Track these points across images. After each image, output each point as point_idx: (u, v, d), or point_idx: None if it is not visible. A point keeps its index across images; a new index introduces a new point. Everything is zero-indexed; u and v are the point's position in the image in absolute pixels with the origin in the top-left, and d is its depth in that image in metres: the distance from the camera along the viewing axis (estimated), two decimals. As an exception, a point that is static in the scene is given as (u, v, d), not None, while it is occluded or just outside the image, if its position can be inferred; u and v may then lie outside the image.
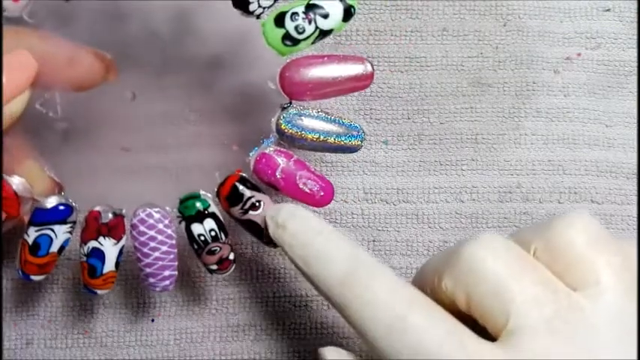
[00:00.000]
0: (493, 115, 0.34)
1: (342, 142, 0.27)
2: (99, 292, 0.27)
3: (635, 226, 0.34)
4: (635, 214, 0.34)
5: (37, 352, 0.33)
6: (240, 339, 0.33)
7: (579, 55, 0.34)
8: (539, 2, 0.34)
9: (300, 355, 0.34)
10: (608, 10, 0.34)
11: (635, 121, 0.35)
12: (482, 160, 0.34)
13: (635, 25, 0.34)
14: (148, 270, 0.27)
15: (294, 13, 0.26)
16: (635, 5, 0.34)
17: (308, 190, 0.27)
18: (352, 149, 0.27)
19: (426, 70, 0.34)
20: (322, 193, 0.27)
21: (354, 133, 0.27)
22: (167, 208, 0.27)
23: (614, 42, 0.34)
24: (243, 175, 0.27)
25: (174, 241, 0.27)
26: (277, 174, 0.27)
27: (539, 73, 0.34)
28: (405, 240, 0.34)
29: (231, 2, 0.26)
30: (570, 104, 0.34)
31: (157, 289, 0.28)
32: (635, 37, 0.34)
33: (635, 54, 0.34)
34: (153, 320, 0.33)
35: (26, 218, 0.27)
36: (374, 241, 0.34)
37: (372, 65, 0.27)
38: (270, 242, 0.27)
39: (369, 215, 0.34)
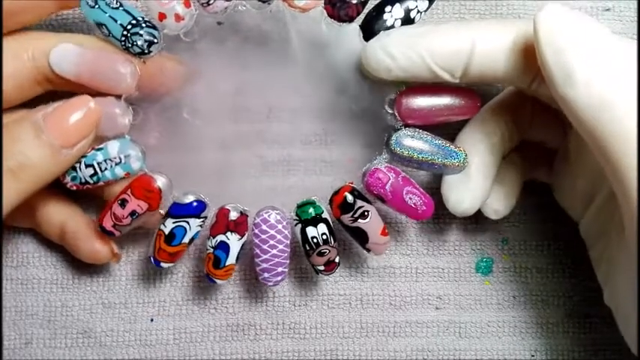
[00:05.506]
0: (493, 115, 0.34)
1: (447, 163, 0.29)
2: (218, 281, 0.30)
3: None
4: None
5: (37, 352, 0.33)
6: (239, 339, 0.34)
7: (579, 55, 0.34)
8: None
9: (300, 355, 0.34)
10: (608, 10, 0.34)
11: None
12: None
13: (635, 25, 0.34)
14: (264, 265, 0.30)
15: None
16: (635, 5, 0.34)
17: (412, 205, 0.29)
18: (455, 170, 0.29)
19: (426, 70, 0.34)
20: (424, 208, 0.30)
21: (456, 154, 0.29)
22: (285, 211, 0.30)
23: (614, 42, 0.34)
24: (355, 186, 0.29)
25: (289, 241, 0.30)
26: (387, 188, 0.29)
27: (539, 73, 0.34)
28: (405, 239, 0.34)
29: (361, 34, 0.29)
30: (570, 104, 0.34)
31: (270, 283, 0.30)
32: (635, 37, 0.34)
33: (635, 54, 0.34)
34: (152, 320, 0.33)
35: (161, 213, 0.29)
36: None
37: (478, 97, 0.29)
38: (369, 250, 0.30)
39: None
